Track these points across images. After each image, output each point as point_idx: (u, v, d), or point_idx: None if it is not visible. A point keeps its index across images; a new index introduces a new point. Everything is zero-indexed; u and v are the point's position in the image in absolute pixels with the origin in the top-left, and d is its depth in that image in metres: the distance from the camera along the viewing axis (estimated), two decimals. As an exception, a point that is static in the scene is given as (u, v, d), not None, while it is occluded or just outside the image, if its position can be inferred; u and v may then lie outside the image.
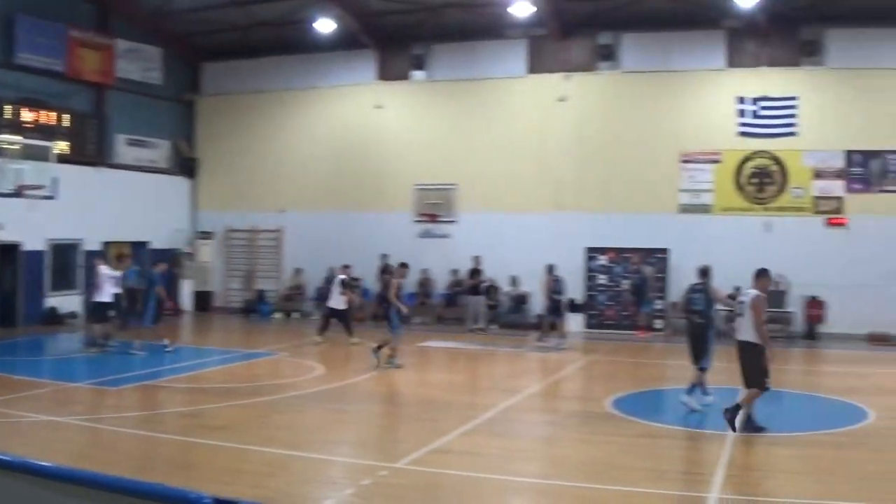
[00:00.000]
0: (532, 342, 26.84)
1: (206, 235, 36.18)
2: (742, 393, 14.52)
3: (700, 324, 16.67)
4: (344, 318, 26.12)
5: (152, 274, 24.28)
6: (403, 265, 22.61)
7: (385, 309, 22.04)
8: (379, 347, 21.27)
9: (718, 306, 18.25)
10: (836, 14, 28.57)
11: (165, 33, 34.71)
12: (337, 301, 25.94)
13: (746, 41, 29.99)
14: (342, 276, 26.26)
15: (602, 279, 31.22)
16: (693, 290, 16.95)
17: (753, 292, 14.44)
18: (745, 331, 14.33)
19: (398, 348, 21.50)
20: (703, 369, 16.40)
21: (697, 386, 16.41)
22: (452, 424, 14.49)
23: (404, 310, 22.49)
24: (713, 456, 12.62)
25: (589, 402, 17.71)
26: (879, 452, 13.23)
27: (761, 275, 14.90)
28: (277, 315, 34.23)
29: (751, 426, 14.01)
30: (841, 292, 28.01)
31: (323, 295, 32.95)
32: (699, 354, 16.46)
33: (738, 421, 14.02)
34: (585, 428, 14.93)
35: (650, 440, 13.87)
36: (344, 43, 33.08)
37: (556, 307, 27.13)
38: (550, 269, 26.97)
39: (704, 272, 17.04)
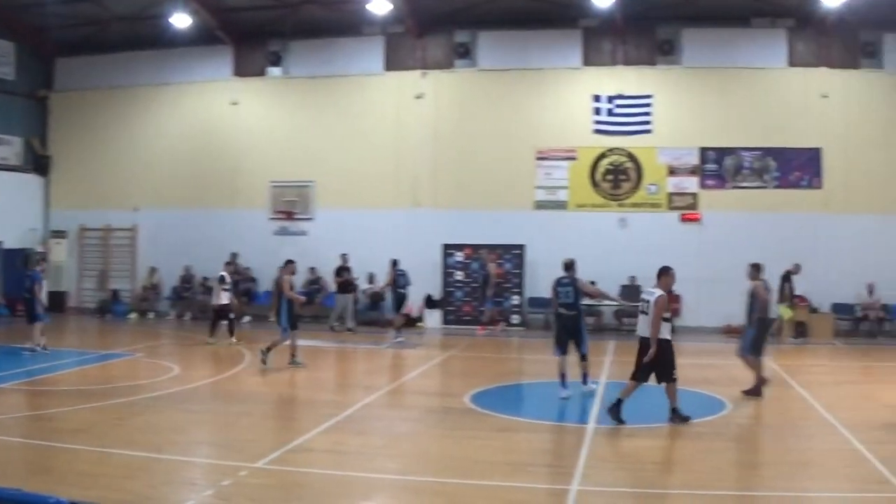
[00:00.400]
0: (390, 339, 26.89)
1: (59, 234, 35.37)
2: (626, 387, 14.72)
3: (571, 316, 17.12)
4: (220, 316, 25.74)
5: (34, 273, 23.93)
6: (290, 262, 22.36)
7: (277, 308, 21.83)
8: (268, 349, 20.91)
9: (586, 299, 18.72)
10: (691, 14, 29.38)
11: (18, 27, 33.85)
12: (218, 297, 25.72)
13: (603, 40, 30.62)
14: (222, 273, 25.97)
15: (459, 275, 31.48)
16: (560, 283, 17.27)
17: (658, 291, 14.54)
18: (649, 328, 14.47)
19: (297, 347, 21.39)
20: (584, 356, 17.02)
21: (587, 373, 17.15)
22: (313, 423, 14.47)
23: (302, 300, 22.71)
24: (574, 448, 12.80)
25: (448, 397, 17.84)
26: (736, 442, 13.70)
27: (663, 273, 14.89)
28: (133, 315, 33.69)
29: (678, 417, 14.35)
30: (696, 286, 28.69)
31: (179, 294, 32.71)
32: (577, 344, 17.04)
33: (672, 415, 14.45)
34: (445, 423, 15.02)
35: (510, 434, 14.01)
36: (200, 38, 32.75)
37: (400, 301, 27.28)
38: (395, 263, 27.10)
39: (569, 266, 17.38)
